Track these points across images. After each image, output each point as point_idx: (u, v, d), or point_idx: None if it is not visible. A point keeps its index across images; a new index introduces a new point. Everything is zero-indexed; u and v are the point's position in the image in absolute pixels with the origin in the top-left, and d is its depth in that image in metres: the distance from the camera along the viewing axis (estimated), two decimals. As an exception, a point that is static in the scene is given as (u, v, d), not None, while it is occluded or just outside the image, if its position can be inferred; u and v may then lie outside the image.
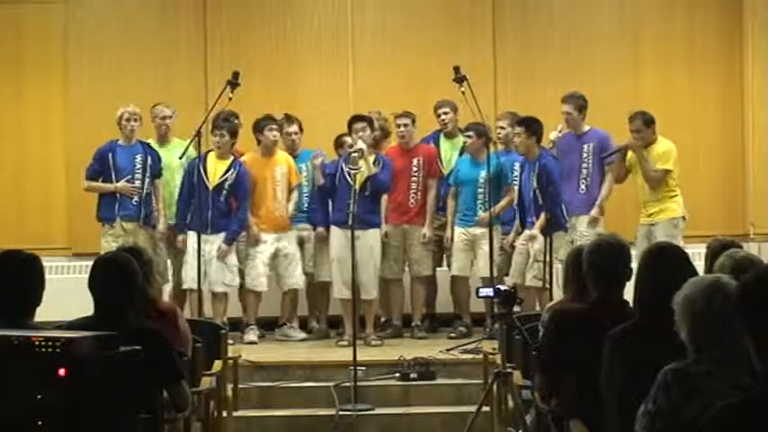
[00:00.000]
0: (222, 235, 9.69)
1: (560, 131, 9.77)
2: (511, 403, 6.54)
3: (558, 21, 11.35)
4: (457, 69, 9.11)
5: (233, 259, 9.76)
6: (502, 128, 10.10)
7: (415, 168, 10.09)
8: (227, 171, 9.71)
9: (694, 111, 11.28)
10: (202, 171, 9.58)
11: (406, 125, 10.08)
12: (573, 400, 4.93)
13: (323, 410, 8.25)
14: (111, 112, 9.92)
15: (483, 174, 9.72)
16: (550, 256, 8.78)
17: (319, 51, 11.27)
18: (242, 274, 9.85)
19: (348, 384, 8.22)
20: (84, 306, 5.08)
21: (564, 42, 11.28)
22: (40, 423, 3.84)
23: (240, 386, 7.84)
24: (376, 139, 9.89)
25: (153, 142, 10.07)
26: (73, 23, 11.24)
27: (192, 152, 9.51)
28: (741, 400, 2.89)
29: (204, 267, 9.37)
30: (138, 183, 9.73)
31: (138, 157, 9.77)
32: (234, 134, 9.78)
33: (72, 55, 11.22)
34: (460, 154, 10.13)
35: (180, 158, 9.62)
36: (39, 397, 3.83)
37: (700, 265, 5.28)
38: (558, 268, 8.43)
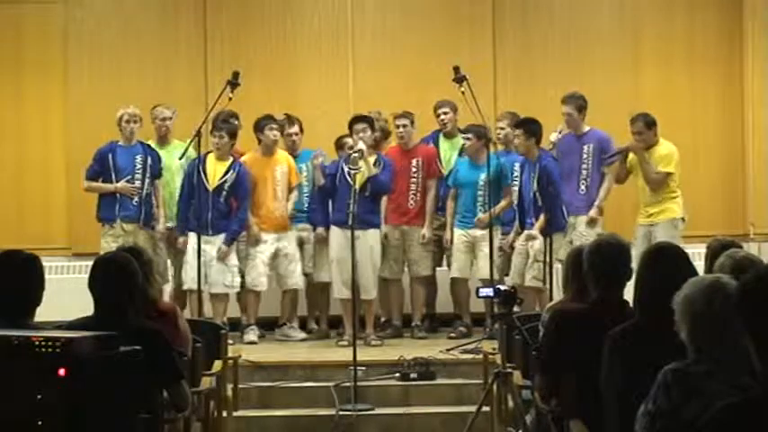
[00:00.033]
0: (222, 236, 9.69)
1: (560, 133, 9.78)
2: (511, 403, 6.54)
3: (558, 21, 11.35)
4: (457, 69, 9.11)
5: (233, 260, 9.75)
6: (501, 128, 10.10)
7: (414, 169, 10.09)
8: (226, 172, 9.71)
9: (694, 111, 11.28)
10: (202, 172, 9.58)
11: (405, 126, 10.08)
12: (573, 400, 4.93)
13: (323, 410, 8.25)
14: (111, 113, 9.92)
15: (483, 176, 9.72)
16: (550, 257, 8.78)
17: (319, 51, 11.27)
18: (241, 273, 9.85)
19: (348, 384, 8.22)
20: (84, 306, 5.08)
21: (564, 42, 11.28)
22: (40, 423, 3.84)
23: (240, 386, 7.84)
24: (376, 139, 9.89)
25: (153, 143, 10.07)
26: (73, 23, 11.24)
27: (192, 153, 9.51)
28: (741, 400, 2.89)
29: (204, 269, 9.38)
30: (138, 183, 9.73)
31: (138, 158, 9.77)
32: (233, 135, 9.78)
33: (72, 55, 11.22)
34: (459, 154, 10.13)
35: (180, 159, 9.62)
36: (39, 397, 3.83)
37: (700, 265, 5.28)
38: (558, 268, 8.44)
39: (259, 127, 9.93)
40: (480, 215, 9.80)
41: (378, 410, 8.25)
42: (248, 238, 9.89)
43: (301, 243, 10.16)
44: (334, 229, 9.69)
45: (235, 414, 7.54)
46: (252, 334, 9.80)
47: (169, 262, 9.95)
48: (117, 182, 9.73)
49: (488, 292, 6.92)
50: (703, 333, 3.65)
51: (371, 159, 9.57)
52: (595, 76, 11.09)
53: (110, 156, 9.76)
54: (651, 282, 4.37)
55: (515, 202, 9.68)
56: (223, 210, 9.72)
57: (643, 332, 4.31)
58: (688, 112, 11.23)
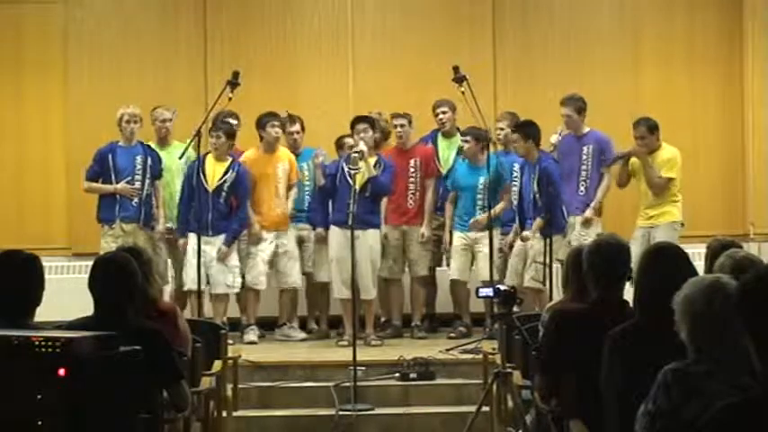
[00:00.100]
0: (222, 237, 9.68)
1: (561, 134, 9.77)
2: (511, 403, 6.54)
3: (558, 21, 11.34)
4: (457, 69, 9.11)
5: (234, 260, 9.75)
6: (501, 128, 10.10)
7: (412, 169, 10.09)
8: (225, 172, 9.71)
9: (694, 111, 11.28)
10: (201, 173, 9.58)
11: (402, 126, 10.09)
12: (573, 400, 4.93)
13: (323, 410, 8.25)
14: (111, 113, 9.92)
15: (482, 179, 9.73)
16: (550, 258, 8.78)
17: (319, 51, 11.27)
18: (241, 273, 9.85)
19: (348, 384, 8.22)
20: (84, 306, 5.08)
21: (564, 42, 11.28)
22: (39, 423, 3.84)
23: (240, 386, 7.84)
24: (376, 140, 9.89)
25: (153, 145, 10.07)
26: (73, 23, 11.23)
27: (192, 153, 9.51)
28: (741, 400, 2.89)
29: (205, 269, 9.39)
30: (138, 184, 9.73)
31: (139, 159, 9.76)
32: (231, 136, 9.77)
33: (72, 55, 11.22)
34: (458, 154, 10.13)
35: (180, 158, 9.61)
36: (39, 397, 3.83)
37: (700, 265, 5.28)
38: (558, 269, 8.44)
39: (261, 124, 9.94)
40: (477, 217, 9.80)
41: (378, 410, 8.25)
42: (250, 237, 9.90)
43: (301, 242, 10.16)
44: (333, 229, 9.69)
45: (235, 414, 7.54)
46: (252, 334, 9.80)
47: (169, 263, 9.95)
48: (117, 182, 9.72)
49: (488, 292, 6.92)
50: (703, 333, 3.65)
51: (372, 160, 9.57)
52: (595, 76, 11.09)
53: (110, 156, 9.76)
54: (651, 282, 4.37)
55: (515, 202, 9.68)
56: (223, 210, 9.72)
57: (643, 332, 4.31)
58: (688, 112, 11.23)
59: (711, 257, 5.52)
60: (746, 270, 3.84)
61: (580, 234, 9.42)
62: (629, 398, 3.96)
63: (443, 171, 10.17)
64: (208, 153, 9.66)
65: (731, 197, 11.23)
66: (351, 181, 9.32)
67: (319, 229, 10.02)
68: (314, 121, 10.45)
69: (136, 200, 9.72)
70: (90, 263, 5.21)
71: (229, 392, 7.35)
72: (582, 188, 9.75)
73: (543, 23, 11.33)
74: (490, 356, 7.60)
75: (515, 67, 11.26)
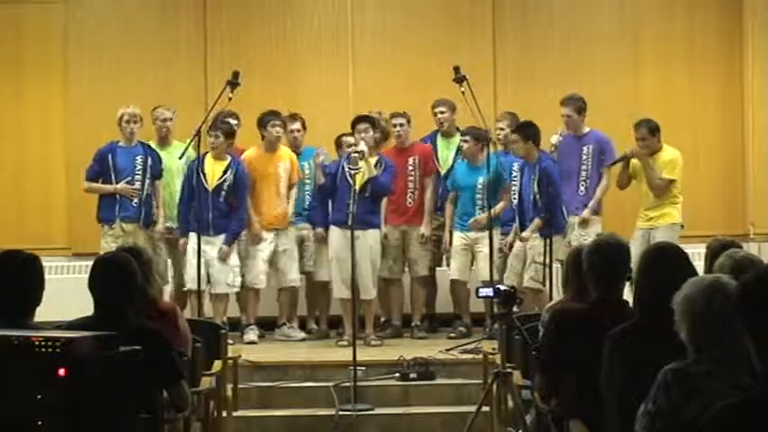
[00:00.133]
0: (223, 236, 9.68)
1: (561, 135, 9.77)
2: (511, 403, 6.54)
3: (558, 21, 11.34)
4: (457, 69, 9.11)
5: (234, 260, 9.75)
6: (501, 129, 10.10)
7: (410, 168, 10.10)
8: (225, 172, 9.70)
9: (694, 111, 11.28)
10: (201, 173, 9.58)
11: (401, 125, 10.09)
12: (573, 400, 4.93)
13: (323, 410, 8.25)
14: (111, 113, 9.92)
15: (481, 179, 9.74)
16: (550, 258, 8.79)
17: (319, 51, 11.27)
18: (241, 271, 9.85)
19: (348, 384, 8.22)
20: (84, 306, 5.08)
21: (564, 42, 11.28)
22: (39, 423, 3.84)
23: (240, 386, 7.84)
24: (376, 140, 9.89)
25: (153, 144, 10.07)
26: (73, 23, 11.23)
27: (192, 152, 9.51)
28: (741, 400, 2.89)
29: (206, 269, 9.39)
30: (138, 184, 9.73)
31: (139, 159, 9.76)
32: (229, 135, 9.77)
33: (72, 55, 11.22)
34: (457, 153, 10.13)
35: (180, 158, 9.61)
36: (39, 397, 3.83)
37: (700, 265, 5.28)
38: (558, 269, 8.44)
39: (262, 123, 9.95)
40: (476, 217, 9.80)
41: (377, 410, 8.25)
42: (250, 236, 9.90)
43: (301, 242, 10.16)
44: (333, 229, 9.69)
45: (235, 414, 7.54)
46: (252, 334, 9.80)
47: (169, 262, 9.95)
48: (117, 182, 9.72)
49: (488, 292, 6.92)
50: (703, 333, 3.65)
51: (372, 160, 9.57)
52: (595, 76, 11.09)
53: (110, 156, 9.76)
54: (651, 282, 4.37)
55: (515, 202, 9.68)
56: (223, 209, 9.72)
57: (643, 332, 4.31)
58: (688, 112, 11.23)
59: (711, 257, 5.51)
60: (746, 270, 3.84)
61: (580, 234, 9.43)
62: (629, 398, 3.96)
63: (442, 171, 10.17)
64: (207, 153, 9.65)
65: (731, 197, 11.23)
66: (351, 181, 9.32)
67: (319, 229, 10.02)
68: (314, 122, 10.45)
69: (136, 200, 9.71)
70: (90, 263, 5.21)
71: (229, 392, 7.35)
72: (582, 188, 9.76)
73: (543, 23, 11.33)
74: (490, 356, 7.60)
75: (515, 67, 11.26)
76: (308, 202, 10.21)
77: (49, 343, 3.87)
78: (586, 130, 9.87)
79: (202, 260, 9.12)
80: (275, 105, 10.29)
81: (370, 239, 9.61)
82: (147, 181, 9.76)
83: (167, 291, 9.58)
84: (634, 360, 4.20)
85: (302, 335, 10.10)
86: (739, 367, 3.42)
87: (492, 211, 9.49)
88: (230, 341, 7.76)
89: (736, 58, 11.28)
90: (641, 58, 11.32)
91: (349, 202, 8.93)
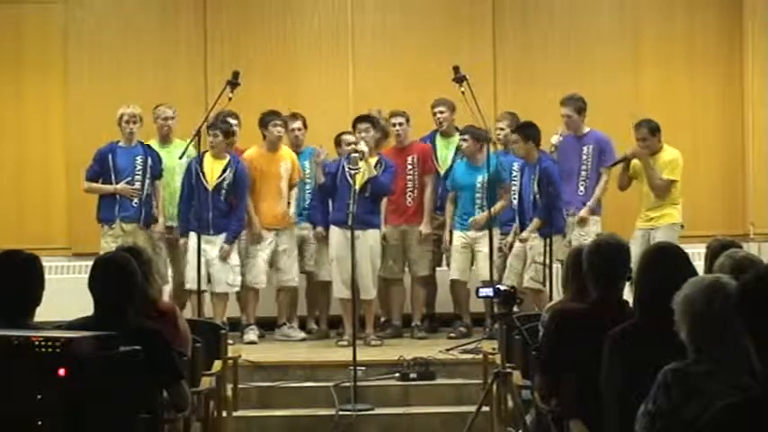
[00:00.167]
0: (223, 235, 9.68)
1: (561, 135, 9.77)
2: (511, 403, 6.54)
3: (558, 21, 11.34)
4: (457, 69, 9.11)
5: (235, 259, 9.76)
6: (501, 128, 10.10)
7: (409, 167, 10.10)
8: (224, 170, 9.70)
9: (694, 111, 11.28)
10: (200, 172, 9.58)
11: (401, 124, 10.09)
12: (573, 400, 4.93)
13: (323, 410, 8.25)
14: (111, 112, 9.92)
15: (480, 178, 9.74)
16: (550, 258, 8.79)
17: (319, 51, 11.27)
18: (241, 271, 9.85)
19: (348, 384, 8.22)
20: (84, 306, 5.08)
21: (564, 42, 11.28)
22: (39, 423, 3.84)
23: (240, 386, 7.84)
24: (376, 140, 9.89)
25: (155, 143, 10.07)
26: (73, 23, 11.23)
27: (192, 152, 9.53)
28: (741, 400, 2.89)
29: (207, 268, 9.39)
30: (138, 184, 9.72)
31: (139, 159, 9.76)
32: (228, 134, 9.76)
33: (72, 55, 11.22)
34: (456, 153, 10.14)
35: (180, 158, 9.61)
36: (39, 397, 3.83)
37: (700, 265, 5.28)
38: (557, 269, 8.44)
39: (263, 123, 9.95)
40: (476, 217, 9.80)
41: (377, 410, 8.25)
42: (251, 236, 9.90)
43: (303, 241, 10.16)
44: (333, 229, 9.69)
45: (235, 414, 7.54)
46: (252, 334, 9.80)
47: (168, 261, 9.94)
48: (117, 182, 9.72)
49: (488, 292, 6.92)
50: (703, 333, 3.65)
51: (373, 160, 9.57)
52: (595, 76, 11.09)
53: (110, 156, 9.76)
54: (651, 282, 4.37)
55: (514, 202, 9.68)
56: (223, 208, 9.71)
57: (643, 332, 4.31)
58: (688, 112, 11.23)
59: (711, 257, 5.51)
60: (746, 270, 3.84)
61: (580, 234, 9.43)
62: (629, 398, 3.96)
63: (441, 171, 10.17)
64: (205, 152, 9.64)
65: (731, 197, 11.23)
66: (351, 181, 9.33)
67: (319, 228, 10.02)
68: (314, 121, 10.45)
69: (136, 200, 9.71)
70: (90, 263, 5.21)
71: (229, 392, 7.35)
72: (581, 188, 9.76)
73: (543, 23, 11.33)
74: (490, 356, 7.60)
75: (515, 67, 11.26)
76: (308, 202, 10.21)
77: (49, 343, 3.87)
78: (586, 130, 9.87)
79: (203, 260, 9.12)
80: (275, 105, 10.29)
81: (370, 239, 9.61)
82: (147, 181, 9.76)
83: (166, 290, 9.57)
84: (634, 360, 4.20)
85: (302, 335, 10.10)
86: (739, 367, 3.42)
87: (492, 209, 9.49)
88: (230, 341, 7.76)
89: (736, 58, 11.28)
90: (641, 58, 11.32)
91: (349, 202, 8.93)
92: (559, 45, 11.27)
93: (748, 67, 11.21)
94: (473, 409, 7.14)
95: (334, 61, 11.25)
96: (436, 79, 10.14)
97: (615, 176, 9.85)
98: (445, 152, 10.27)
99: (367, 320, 9.81)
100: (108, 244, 9.41)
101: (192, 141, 9.17)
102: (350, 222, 8.77)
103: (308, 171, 10.17)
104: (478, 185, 9.82)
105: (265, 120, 9.94)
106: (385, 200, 9.98)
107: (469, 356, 8.77)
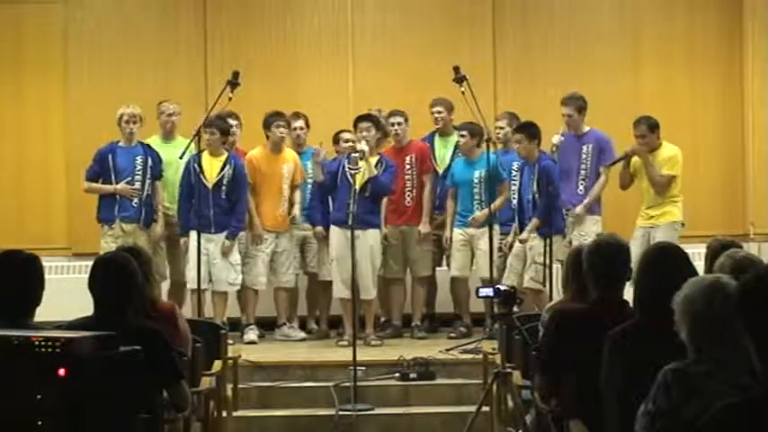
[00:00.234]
0: (224, 234, 9.67)
1: (562, 135, 9.77)
2: (511, 403, 6.54)
3: (558, 21, 11.34)
4: (457, 69, 9.10)
5: (236, 257, 9.75)
6: (501, 128, 10.10)
7: (408, 166, 10.09)
8: (223, 167, 9.69)
9: (694, 111, 11.28)
10: (199, 171, 9.58)
11: (399, 123, 10.09)
12: (573, 400, 4.93)
13: (323, 410, 8.25)
14: (111, 112, 9.91)
15: (477, 174, 9.75)
16: (550, 258, 8.79)
17: (319, 51, 11.27)
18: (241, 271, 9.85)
19: (348, 384, 8.22)
20: (84, 306, 5.08)
21: (564, 42, 11.28)
22: (39, 423, 3.84)
23: (240, 386, 7.84)
24: (377, 139, 9.88)
25: (158, 138, 10.07)
26: (73, 23, 11.23)
27: (193, 151, 9.52)
28: (741, 400, 2.89)
29: (208, 267, 9.40)
30: (138, 184, 9.72)
31: (139, 159, 9.76)
32: (224, 132, 9.73)
33: (72, 55, 11.22)
34: (454, 152, 10.14)
35: (180, 158, 9.60)
36: (39, 397, 3.83)
37: (700, 265, 5.28)
38: (557, 269, 8.44)
39: (267, 123, 9.96)
40: (476, 214, 9.80)
41: (377, 410, 8.25)
42: (252, 237, 9.90)
43: (303, 242, 10.16)
44: (333, 229, 9.68)
45: (235, 414, 7.54)
46: (252, 334, 9.80)
47: (166, 260, 9.94)
48: (117, 182, 9.72)
49: (488, 292, 6.92)
50: (703, 333, 3.65)
51: (373, 160, 9.57)
52: (595, 76, 11.09)
53: (110, 156, 9.75)
54: (651, 282, 4.37)
55: (514, 202, 9.68)
56: (224, 206, 9.70)
57: (643, 332, 4.31)
58: (688, 112, 11.23)
59: (711, 257, 5.52)
60: (746, 270, 3.84)
61: (580, 234, 9.43)
62: (629, 398, 3.96)
63: (440, 170, 10.17)
64: (203, 150, 9.61)
65: (731, 197, 11.23)
66: (351, 180, 9.32)
67: (319, 228, 10.01)
68: (314, 121, 10.44)
69: (136, 200, 9.71)
70: (90, 263, 5.21)
71: (229, 392, 7.35)
72: (581, 187, 9.76)
73: (543, 23, 11.33)
74: (490, 356, 7.60)
75: (515, 67, 11.26)
76: (308, 202, 10.21)
77: (49, 343, 3.87)
78: (586, 129, 9.88)
79: (203, 258, 9.12)
80: (275, 105, 10.29)
81: (370, 239, 9.60)
82: (147, 181, 9.75)
83: (163, 288, 9.55)
84: (634, 360, 4.20)
85: (302, 335, 10.10)
86: (739, 367, 3.42)
87: (492, 206, 9.48)
88: (230, 341, 7.76)
89: (736, 58, 11.28)
90: (641, 58, 11.33)
91: (349, 202, 8.92)
92: (559, 45, 11.27)
93: (748, 67, 11.21)
94: (473, 409, 7.14)
95: (334, 61, 11.25)
96: (436, 79, 10.14)
97: (615, 176, 9.85)
98: (443, 151, 10.27)
99: (367, 320, 9.80)
100: (108, 244, 9.41)
101: (191, 142, 9.17)
102: (350, 222, 8.77)
103: (309, 171, 10.17)
104: (476, 181, 9.82)
105: (268, 120, 9.95)
106: (385, 200, 9.98)
107: (469, 356, 8.77)
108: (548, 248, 8.85)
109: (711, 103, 11.33)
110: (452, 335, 9.90)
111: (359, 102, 10.82)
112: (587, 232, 9.42)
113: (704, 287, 3.71)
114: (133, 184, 9.71)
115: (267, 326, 10.17)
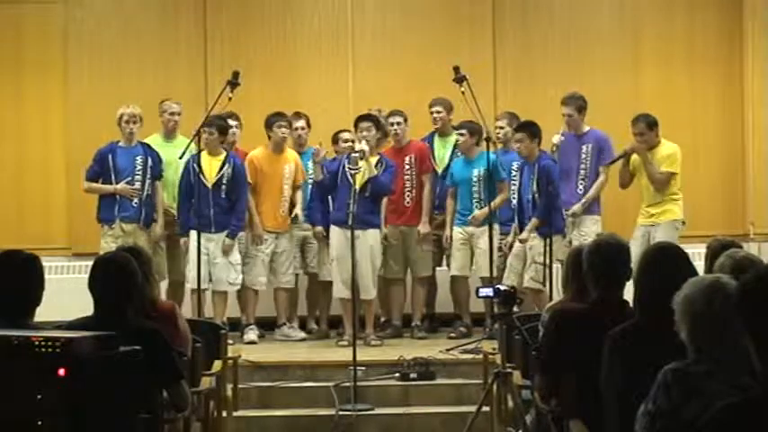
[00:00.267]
0: (225, 233, 9.67)
1: (562, 135, 9.77)
2: (511, 403, 6.54)
3: (558, 21, 11.34)
4: (457, 69, 9.10)
5: (236, 257, 9.75)
6: (501, 127, 10.10)
7: (407, 166, 10.10)
8: (222, 166, 9.69)
9: (694, 111, 11.28)
10: (198, 170, 9.57)
11: (398, 123, 10.09)
12: (573, 400, 4.93)
13: (323, 410, 8.25)
14: (111, 112, 9.91)
15: (476, 172, 9.76)
16: (550, 258, 8.79)
17: (319, 51, 11.27)
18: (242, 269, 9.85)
19: (348, 384, 8.22)
20: (84, 306, 5.08)
21: (564, 42, 11.28)
22: (39, 423, 3.84)
23: (240, 386, 7.84)
24: (377, 139, 9.88)
25: (159, 137, 10.07)
26: (73, 23, 11.23)
27: (193, 151, 9.51)
28: (741, 400, 2.89)
29: (208, 267, 9.39)
30: (138, 184, 9.72)
31: (139, 159, 9.76)
32: (223, 131, 9.73)
33: (72, 55, 11.22)
34: (453, 152, 10.14)
35: (180, 158, 9.60)
36: (39, 397, 3.83)
37: (700, 265, 5.28)
38: (557, 269, 8.44)
39: (268, 124, 9.96)
40: (475, 213, 9.80)
41: (377, 410, 8.25)
42: (253, 237, 9.90)
43: (304, 242, 10.16)
44: (333, 229, 9.68)
45: (235, 414, 7.54)
46: (252, 334, 9.80)
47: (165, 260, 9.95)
48: (117, 182, 9.72)
49: (488, 292, 6.92)
50: (703, 333, 3.65)
51: (373, 160, 9.57)
52: (595, 76, 11.09)
53: (110, 156, 9.75)
54: (651, 282, 4.37)
55: (514, 201, 9.68)
56: (224, 205, 9.70)
57: (643, 332, 4.31)
58: (688, 112, 11.23)
59: (711, 257, 5.52)
60: (746, 270, 3.84)
61: (580, 234, 9.43)
62: (629, 398, 3.96)
63: (439, 170, 10.17)
64: (201, 150, 9.61)
65: (731, 197, 11.23)
66: (351, 180, 9.32)
67: (318, 228, 10.01)
68: (314, 121, 10.44)
69: (136, 200, 9.71)
70: (90, 263, 5.21)
71: (229, 392, 7.35)
72: (581, 187, 9.77)
73: (543, 23, 11.33)
74: (490, 356, 7.60)
75: (515, 67, 11.26)
76: (308, 201, 10.20)
77: (49, 343, 3.87)
78: (586, 128, 9.88)
79: (204, 258, 9.11)
80: (275, 105, 10.29)
81: (370, 239, 9.60)
82: (148, 181, 9.75)
83: (162, 287, 9.55)
84: (634, 360, 4.20)
85: (302, 335, 10.10)
86: (739, 367, 3.42)
87: (492, 204, 9.47)
88: (230, 341, 7.76)
89: (736, 58, 11.28)
90: (641, 58, 11.33)
91: (349, 202, 8.92)
92: (559, 45, 11.27)
93: (748, 67, 11.21)
94: (473, 409, 7.15)
95: (334, 61, 11.25)
96: (436, 79, 10.14)
97: (615, 175, 9.85)
98: (442, 151, 10.28)
99: (367, 320, 9.80)
100: (108, 244, 9.41)
101: (191, 142, 9.17)
102: (350, 222, 8.77)
103: (310, 171, 10.17)
104: (475, 180, 9.82)
105: (270, 121, 9.95)
106: (384, 200, 9.98)
107: (469, 356, 8.77)
108: (548, 248, 8.85)
109: (711, 102, 11.33)
110: (452, 335, 9.90)
111: (359, 102, 10.82)
112: (587, 232, 9.42)
113: (704, 287, 3.71)
114: (133, 184, 9.71)
115: (267, 326, 10.17)
